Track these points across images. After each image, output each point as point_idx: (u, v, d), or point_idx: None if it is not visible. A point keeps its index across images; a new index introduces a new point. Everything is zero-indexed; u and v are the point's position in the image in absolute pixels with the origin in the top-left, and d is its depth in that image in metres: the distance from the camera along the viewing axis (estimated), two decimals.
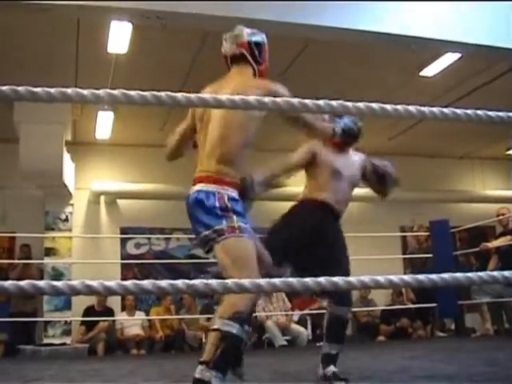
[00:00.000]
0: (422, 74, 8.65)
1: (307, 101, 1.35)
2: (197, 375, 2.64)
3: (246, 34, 3.32)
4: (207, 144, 3.10)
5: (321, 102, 1.35)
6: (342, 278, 1.42)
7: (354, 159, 4.28)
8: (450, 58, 7.98)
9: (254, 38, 3.32)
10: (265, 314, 9.59)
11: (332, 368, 3.81)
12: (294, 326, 9.49)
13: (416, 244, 11.30)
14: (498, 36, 6.77)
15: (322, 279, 1.41)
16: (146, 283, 1.36)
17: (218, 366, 2.65)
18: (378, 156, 4.46)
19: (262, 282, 1.44)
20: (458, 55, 7.78)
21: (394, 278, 1.45)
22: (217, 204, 2.92)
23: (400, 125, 10.15)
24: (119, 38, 7.03)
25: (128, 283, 1.38)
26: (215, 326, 2.72)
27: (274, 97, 2.58)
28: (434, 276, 1.54)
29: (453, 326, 10.18)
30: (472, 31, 6.69)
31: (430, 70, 8.53)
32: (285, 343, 9.10)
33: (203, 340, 9.43)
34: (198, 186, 3.02)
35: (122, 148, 11.05)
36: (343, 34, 6.42)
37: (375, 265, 8.57)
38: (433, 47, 7.08)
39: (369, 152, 4.44)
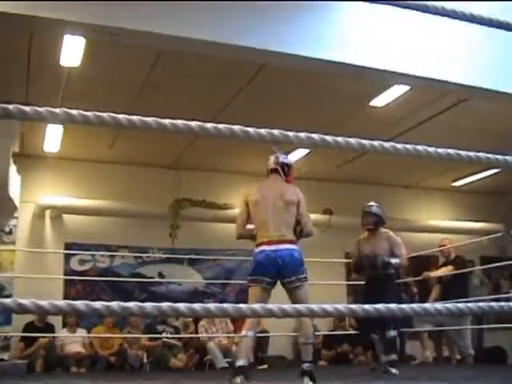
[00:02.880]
0: (371, 104, 8.77)
1: (249, 129, 1.37)
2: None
3: (282, 157, 5.16)
4: None
5: (262, 131, 1.37)
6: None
7: None
8: (399, 90, 8.09)
9: (285, 161, 5.18)
10: (207, 336, 9.53)
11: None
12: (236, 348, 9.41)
13: None
14: (447, 70, 6.92)
15: (256, 306, 1.42)
16: (79, 304, 1.34)
17: None
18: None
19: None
20: (407, 87, 7.91)
21: (328, 307, 1.46)
22: None
23: (348, 153, 10.27)
24: (72, 51, 6.96)
25: (61, 303, 1.36)
26: None
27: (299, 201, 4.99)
28: (368, 307, 1.56)
29: None
30: (420, 63, 6.81)
31: (380, 101, 8.64)
32: (226, 365, 9.04)
33: (144, 360, 9.32)
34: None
35: (71, 162, 10.89)
36: (293, 61, 6.46)
37: (319, 290, 8.60)
38: (382, 78, 7.19)
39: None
